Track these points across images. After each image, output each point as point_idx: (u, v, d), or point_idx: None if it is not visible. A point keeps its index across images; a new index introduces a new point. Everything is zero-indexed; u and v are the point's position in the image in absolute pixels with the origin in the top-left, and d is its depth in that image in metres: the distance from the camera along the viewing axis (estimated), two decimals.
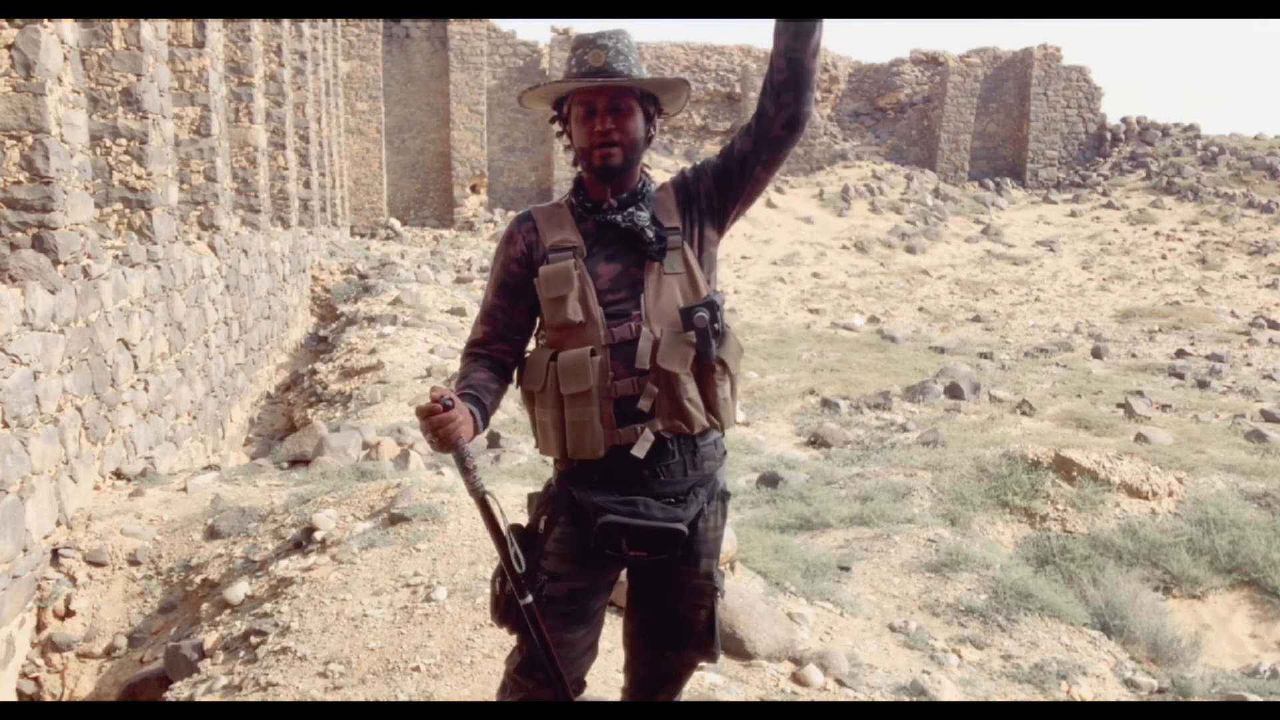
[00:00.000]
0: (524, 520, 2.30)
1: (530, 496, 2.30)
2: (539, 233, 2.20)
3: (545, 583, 2.15)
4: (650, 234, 2.14)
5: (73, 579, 4.95)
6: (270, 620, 3.85)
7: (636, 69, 2.13)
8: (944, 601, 4.91)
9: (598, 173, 2.14)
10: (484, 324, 2.25)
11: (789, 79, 2.05)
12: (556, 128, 2.24)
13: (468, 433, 2.00)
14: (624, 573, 2.33)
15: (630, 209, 2.17)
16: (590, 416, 2.09)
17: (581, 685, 2.26)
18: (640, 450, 2.09)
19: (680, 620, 2.25)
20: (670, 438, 2.12)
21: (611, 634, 3.09)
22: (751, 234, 25.08)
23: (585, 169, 2.18)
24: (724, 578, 2.32)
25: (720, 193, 2.22)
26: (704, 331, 2.08)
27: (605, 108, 2.11)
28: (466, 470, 1.99)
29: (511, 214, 25.57)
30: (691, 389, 2.12)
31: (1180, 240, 24.76)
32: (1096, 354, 15.10)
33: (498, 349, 2.24)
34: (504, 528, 2.06)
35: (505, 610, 2.17)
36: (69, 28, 5.69)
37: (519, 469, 6.88)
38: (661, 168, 27.66)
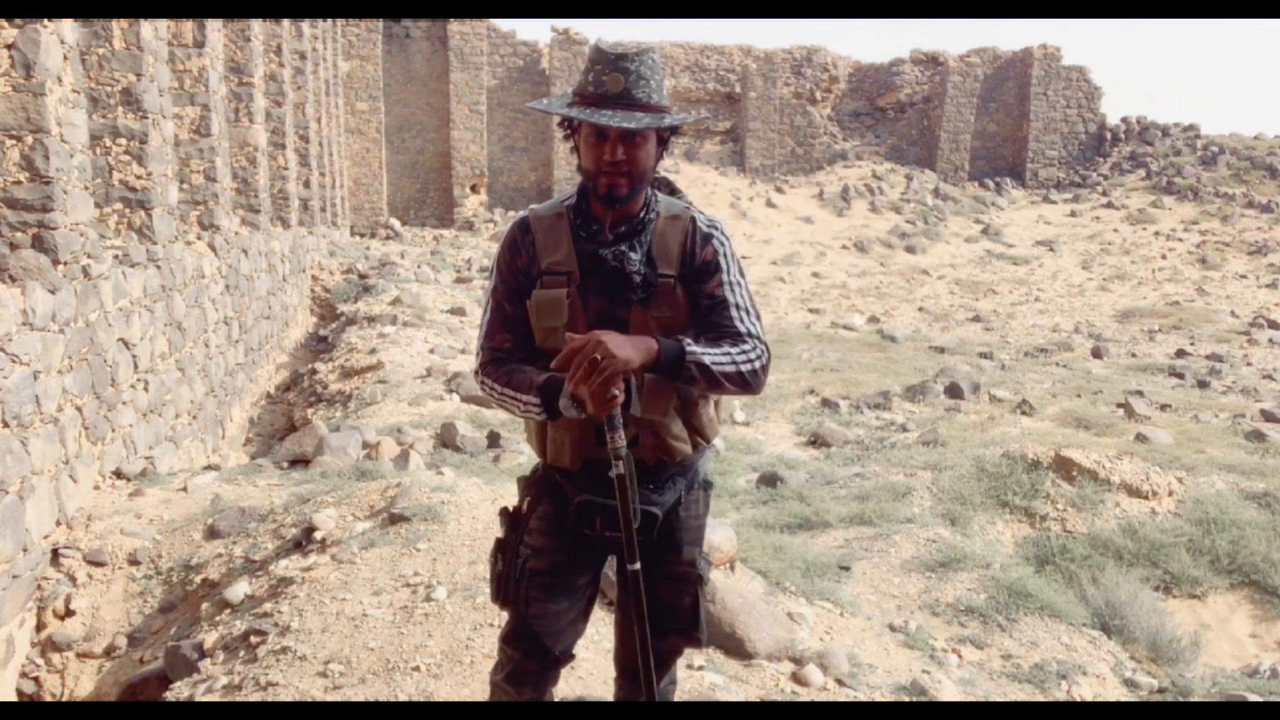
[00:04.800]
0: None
1: (519, 479, 2.40)
2: (537, 247, 2.20)
3: (529, 557, 2.26)
4: (637, 279, 2.14)
5: (73, 579, 4.95)
6: (270, 620, 3.85)
7: (658, 93, 2.08)
8: (944, 601, 4.91)
9: (601, 199, 2.13)
10: (504, 331, 2.23)
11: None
12: (562, 131, 2.23)
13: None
14: (614, 566, 2.40)
15: (623, 247, 2.15)
16: (570, 438, 2.17)
17: (569, 657, 2.35)
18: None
19: (665, 607, 2.31)
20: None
21: (611, 634, 3.08)
22: (752, 234, 25.07)
23: (589, 190, 2.17)
24: (710, 566, 2.38)
25: (689, 293, 2.20)
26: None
27: (618, 136, 2.05)
28: (616, 428, 1.99)
29: (512, 214, 25.55)
30: (676, 427, 2.20)
31: (1180, 240, 24.77)
32: (1096, 354, 15.10)
33: (521, 356, 2.23)
34: (632, 491, 2.07)
35: (502, 586, 2.28)
36: (69, 28, 5.69)
37: (519, 468, 6.88)
38: (661, 167, 27.57)
